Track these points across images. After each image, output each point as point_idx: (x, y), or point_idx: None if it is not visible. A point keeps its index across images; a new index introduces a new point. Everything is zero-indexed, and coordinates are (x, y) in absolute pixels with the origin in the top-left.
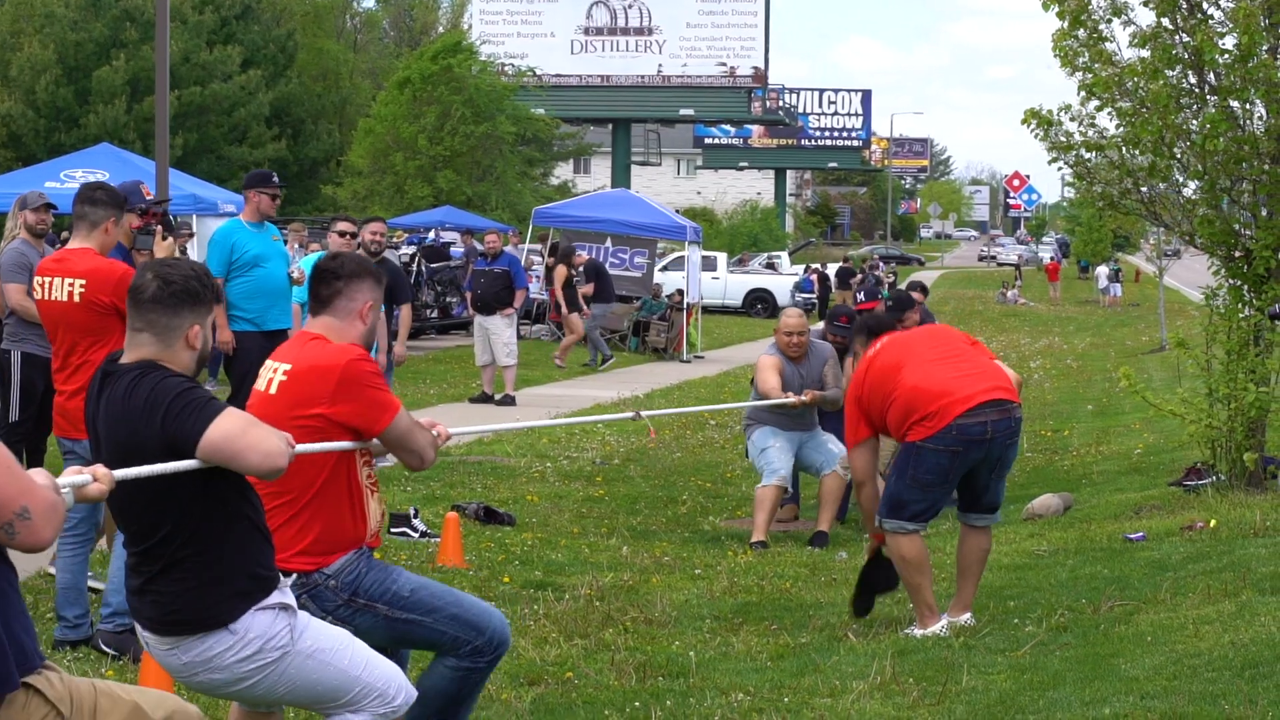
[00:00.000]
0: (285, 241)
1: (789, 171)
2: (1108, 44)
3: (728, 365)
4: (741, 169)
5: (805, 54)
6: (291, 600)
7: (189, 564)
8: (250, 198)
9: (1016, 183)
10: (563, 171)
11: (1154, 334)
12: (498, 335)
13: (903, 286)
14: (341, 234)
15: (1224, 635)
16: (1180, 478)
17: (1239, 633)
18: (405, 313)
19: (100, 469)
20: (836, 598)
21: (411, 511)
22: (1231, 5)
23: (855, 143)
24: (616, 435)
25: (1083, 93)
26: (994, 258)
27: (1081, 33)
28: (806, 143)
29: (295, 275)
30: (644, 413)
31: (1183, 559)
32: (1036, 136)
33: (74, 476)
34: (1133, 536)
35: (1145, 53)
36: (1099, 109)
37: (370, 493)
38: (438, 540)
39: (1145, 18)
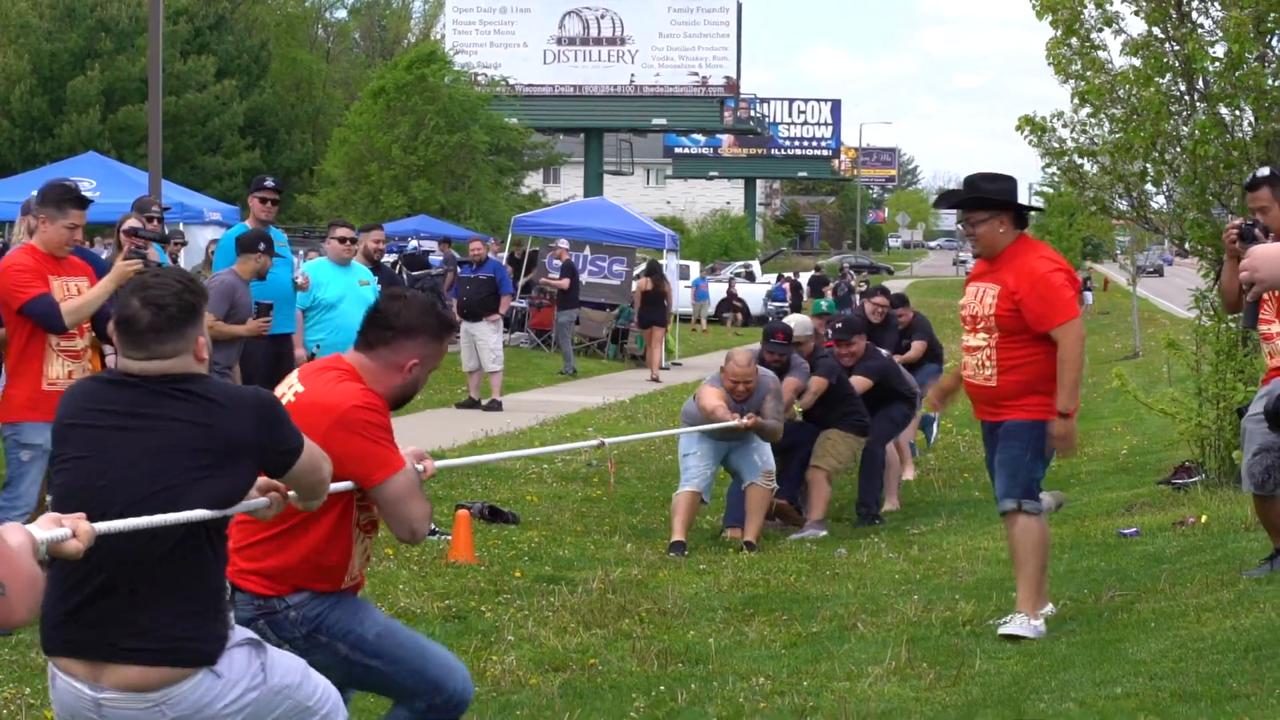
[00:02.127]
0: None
1: (759, 181)
2: (1100, 52)
3: (704, 373)
4: (711, 178)
5: (772, 63)
6: (253, 634)
7: (186, 582)
8: (250, 203)
9: None
10: (532, 181)
11: (1126, 341)
12: (484, 341)
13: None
14: (341, 239)
15: (1225, 621)
16: (1169, 476)
17: (1240, 618)
18: None
19: (81, 523)
20: (841, 590)
21: None
22: (1221, 14)
23: (825, 152)
24: (608, 436)
25: (1076, 100)
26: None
27: (1074, 41)
28: (776, 152)
29: (300, 281)
30: (607, 440)
31: (1177, 552)
32: (1030, 143)
33: (52, 530)
34: (1126, 531)
35: (1136, 61)
36: (1091, 116)
37: (364, 535)
38: (447, 538)
39: (1136, 26)
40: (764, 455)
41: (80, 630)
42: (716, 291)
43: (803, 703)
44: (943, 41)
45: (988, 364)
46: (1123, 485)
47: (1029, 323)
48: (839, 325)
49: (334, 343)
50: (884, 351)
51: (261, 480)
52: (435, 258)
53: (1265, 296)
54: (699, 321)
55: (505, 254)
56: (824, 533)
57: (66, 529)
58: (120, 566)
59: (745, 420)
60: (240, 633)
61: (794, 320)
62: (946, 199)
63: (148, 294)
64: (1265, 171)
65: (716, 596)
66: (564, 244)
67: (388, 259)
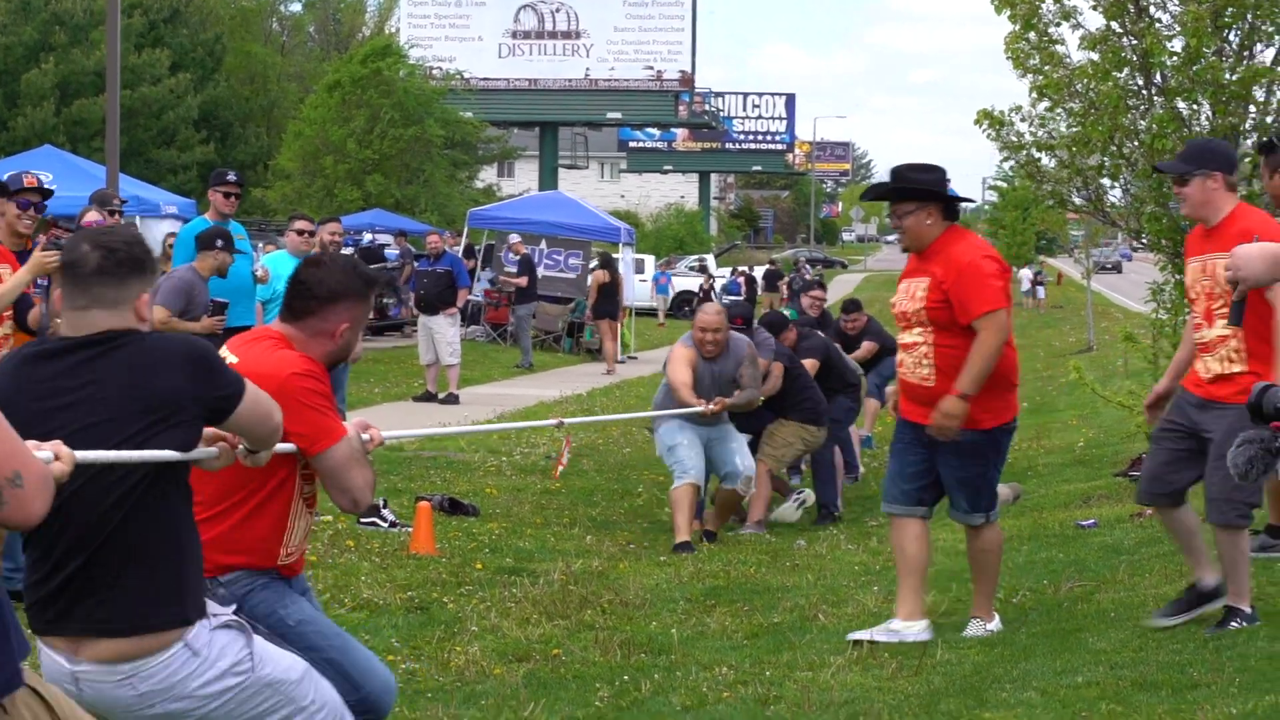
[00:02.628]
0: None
1: (713, 175)
2: (1058, 46)
3: (660, 366)
4: (666, 172)
5: (727, 58)
6: (241, 618)
7: (152, 552)
8: (210, 196)
9: None
10: (487, 175)
11: (1080, 335)
12: (441, 334)
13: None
14: (300, 232)
15: (1178, 597)
16: (1126, 469)
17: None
18: None
19: (62, 447)
20: (801, 581)
21: (381, 502)
22: (1179, 9)
23: (779, 146)
24: (566, 432)
25: (1034, 94)
26: None
27: (1032, 35)
28: (731, 146)
29: (259, 274)
30: (566, 420)
31: (1135, 543)
32: (988, 136)
33: (39, 452)
34: (1084, 523)
35: (1094, 55)
36: (1050, 110)
37: (305, 508)
38: (408, 530)
39: (1094, 21)
40: (745, 457)
41: (56, 606)
42: (684, 284)
43: (766, 692)
44: (896, 37)
45: (925, 362)
46: (1080, 478)
47: (955, 313)
48: (766, 317)
49: None
50: (819, 333)
51: (208, 431)
52: (391, 251)
53: (1194, 298)
54: (664, 314)
55: (462, 247)
56: (764, 532)
57: (49, 452)
58: (84, 538)
59: (712, 406)
60: (224, 613)
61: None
62: (873, 190)
63: (98, 238)
64: (1264, 139)
65: (677, 588)
66: (516, 238)
67: (344, 252)
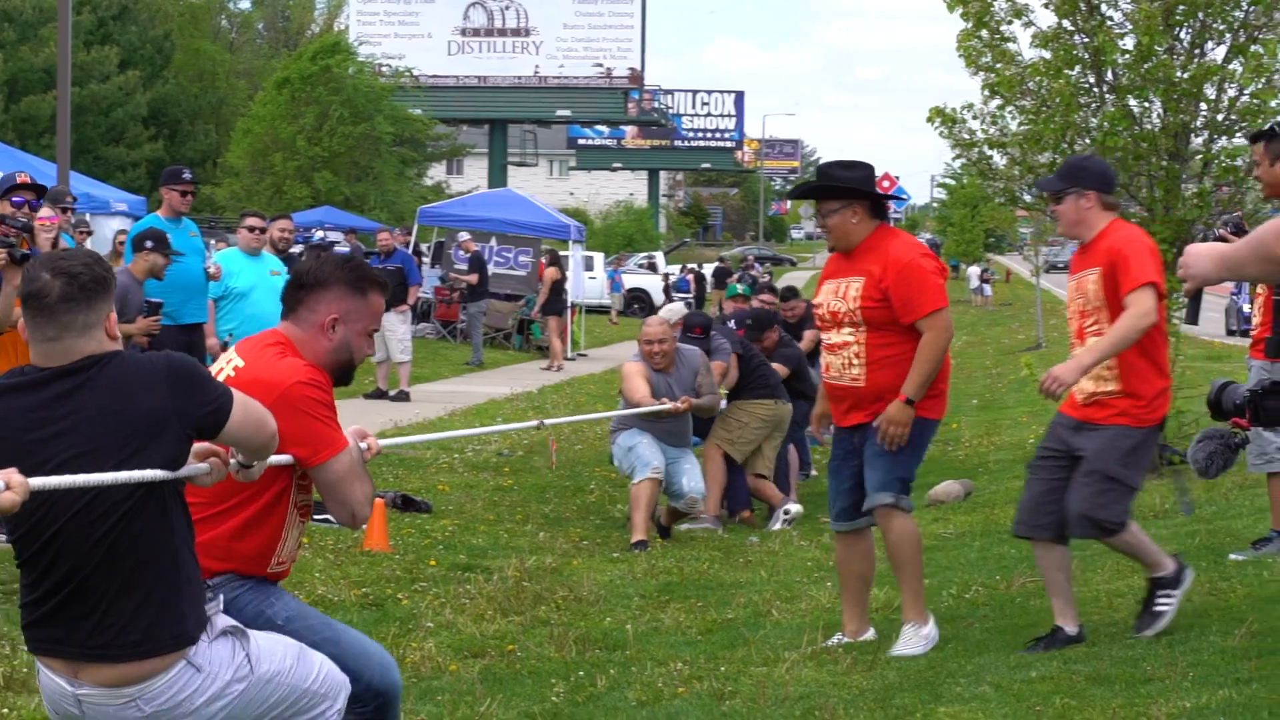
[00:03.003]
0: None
1: (662, 172)
2: (1010, 44)
3: (611, 363)
4: (615, 170)
5: (674, 54)
6: (235, 621)
7: (149, 574)
8: (164, 194)
9: (886, 184)
10: (436, 172)
11: (1030, 332)
12: (392, 332)
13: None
14: (251, 229)
15: (1137, 606)
16: None
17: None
18: None
19: (14, 475)
20: (755, 578)
21: None
22: (1130, 7)
23: (728, 143)
24: (549, 432)
25: (986, 91)
26: None
27: (984, 33)
28: (680, 143)
29: (211, 270)
30: (547, 421)
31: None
32: (940, 134)
33: None
34: None
35: (1046, 53)
36: (1001, 107)
37: (299, 518)
38: (362, 526)
39: (1046, 19)
40: (694, 479)
41: (53, 630)
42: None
43: (721, 688)
44: (845, 34)
45: (855, 362)
46: None
47: (896, 312)
48: (749, 322)
49: (245, 332)
50: (796, 343)
51: (199, 446)
52: (341, 248)
53: (1069, 316)
54: (621, 313)
55: (412, 245)
56: (719, 529)
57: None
58: (78, 561)
59: (679, 404)
60: (223, 622)
61: (667, 310)
62: (800, 189)
63: (58, 265)
64: (1266, 126)
65: (631, 584)
66: (466, 236)
67: (294, 249)
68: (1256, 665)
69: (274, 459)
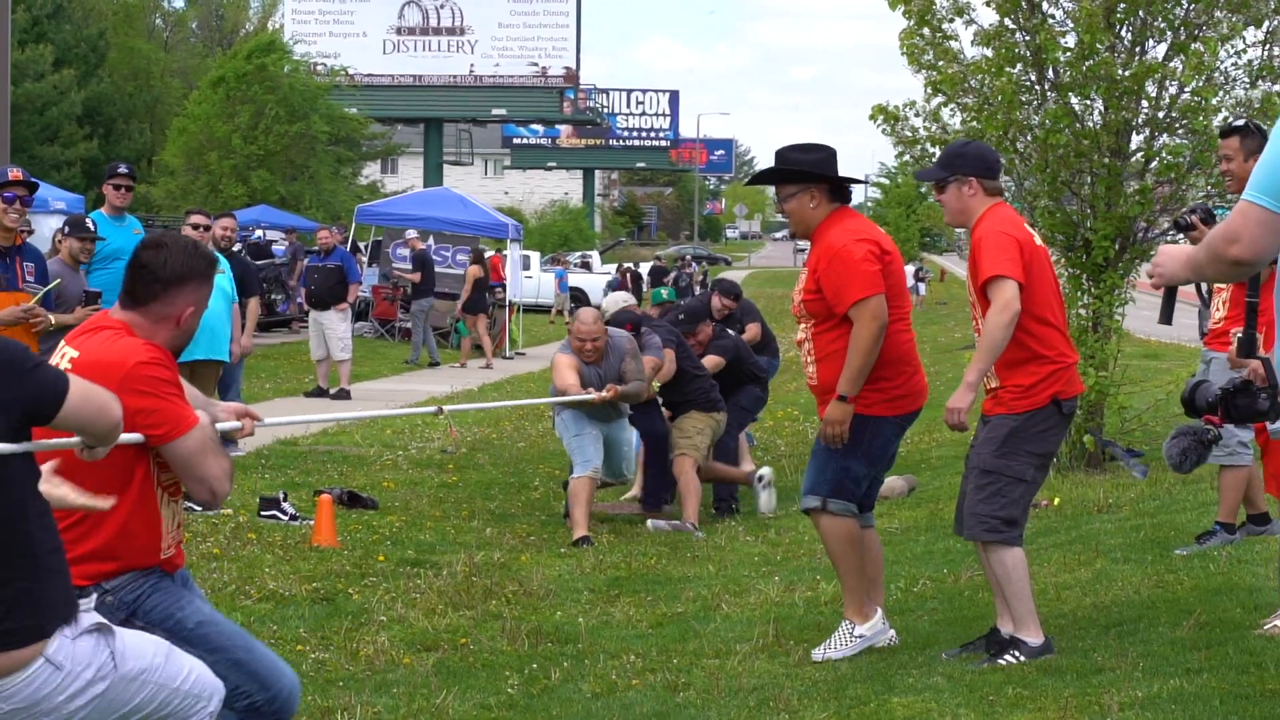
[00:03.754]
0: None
1: (597, 171)
2: (952, 42)
3: (549, 361)
4: (550, 169)
5: (607, 52)
6: (102, 618)
7: (14, 557)
8: (104, 190)
9: None
10: (370, 171)
11: (966, 330)
12: (332, 330)
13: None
14: (195, 227)
15: (1085, 599)
16: None
17: (1100, 596)
18: (253, 306)
19: None
20: (703, 572)
21: (280, 495)
22: (1072, 5)
23: (663, 143)
24: (460, 425)
25: (929, 89)
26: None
27: (926, 31)
28: (614, 143)
29: None
30: (446, 408)
31: (1032, 534)
32: (884, 131)
33: None
34: None
35: (988, 51)
36: (943, 105)
37: (169, 498)
38: (309, 523)
39: (987, 17)
40: (629, 465)
41: None
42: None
43: (675, 679)
44: (777, 33)
45: (809, 359)
46: None
47: (829, 303)
48: (681, 316)
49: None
50: (730, 332)
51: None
52: (279, 247)
53: (972, 302)
54: (560, 312)
55: (349, 243)
56: (699, 535)
57: None
58: None
59: (605, 393)
60: (89, 619)
61: (609, 299)
62: (758, 175)
63: None
64: (1241, 122)
65: (580, 578)
66: (414, 234)
67: (235, 247)
68: (1205, 655)
69: (124, 437)
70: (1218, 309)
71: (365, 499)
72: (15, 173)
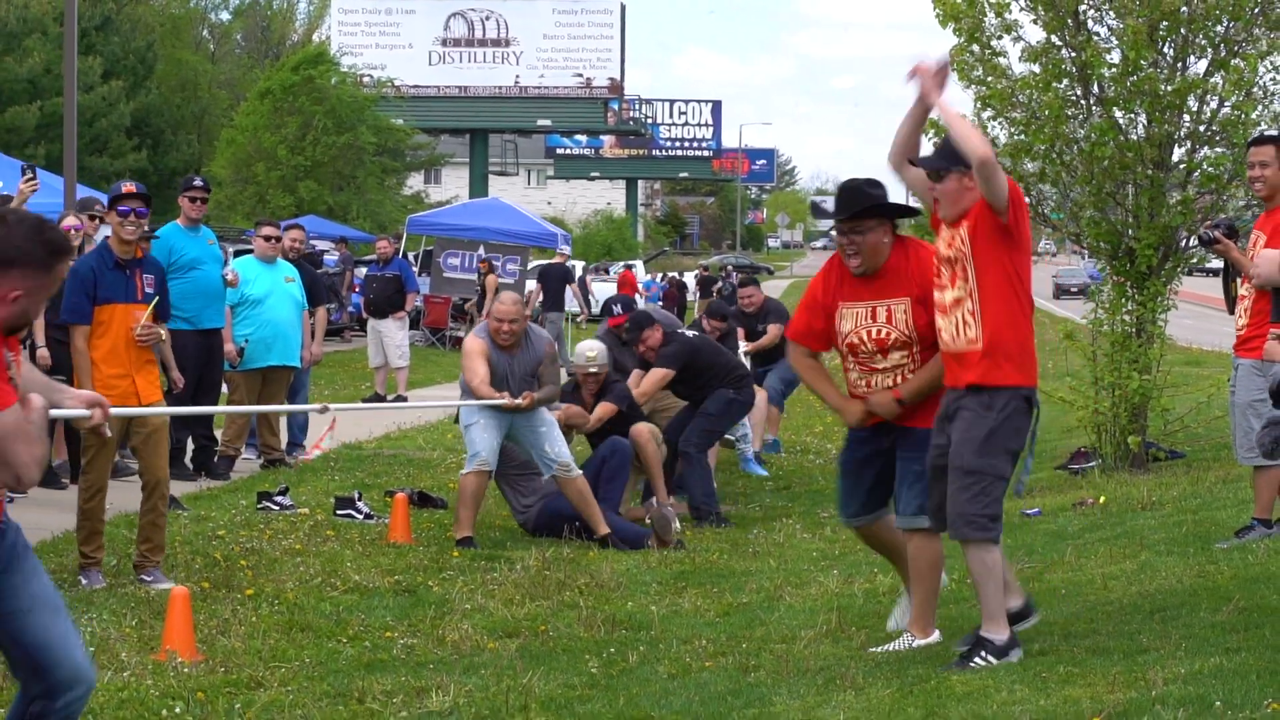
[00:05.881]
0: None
1: (639, 181)
2: (1000, 59)
3: None
4: (593, 179)
5: (647, 63)
6: None
7: None
8: (179, 201)
9: None
10: (414, 181)
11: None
12: (390, 338)
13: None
14: (266, 238)
15: (1131, 587)
16: (1066, 461)
17: (1144, 585)
18: (321, 314)
19: None
20: (764, 566)
21: (356, 495)
22: (1116, 23)
23: (705, 153)
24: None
25: (978, 104)
26: None
27: (976, 48)
28: (657, 153)
29: (229, 278)
30: (332, 406)
31: (1079, 529)
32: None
33: None
34: (1029, 512)
35: (1035, 67)
36: (992, 119)
37: None
38: (384, 520)
39: (1035, 34)
40: (555, 445)
41: None
42: (601, 291)
43: (745, 661)
44: (817, 44)
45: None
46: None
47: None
48: (627, 326)
49: (261, 336)
50: (690, 333)
51: (82, 394)
52: (330, 257)
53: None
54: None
55: (400, 252)
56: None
57: None
58: None
59: (521, 400)
60: None
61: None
62: (839, 207)
63: None
64: (1274, 132)
65: (648, 572)
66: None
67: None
68: (1244, 637)
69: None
70: (1240, 316)
71: (435, 499)
72: (129, 186)
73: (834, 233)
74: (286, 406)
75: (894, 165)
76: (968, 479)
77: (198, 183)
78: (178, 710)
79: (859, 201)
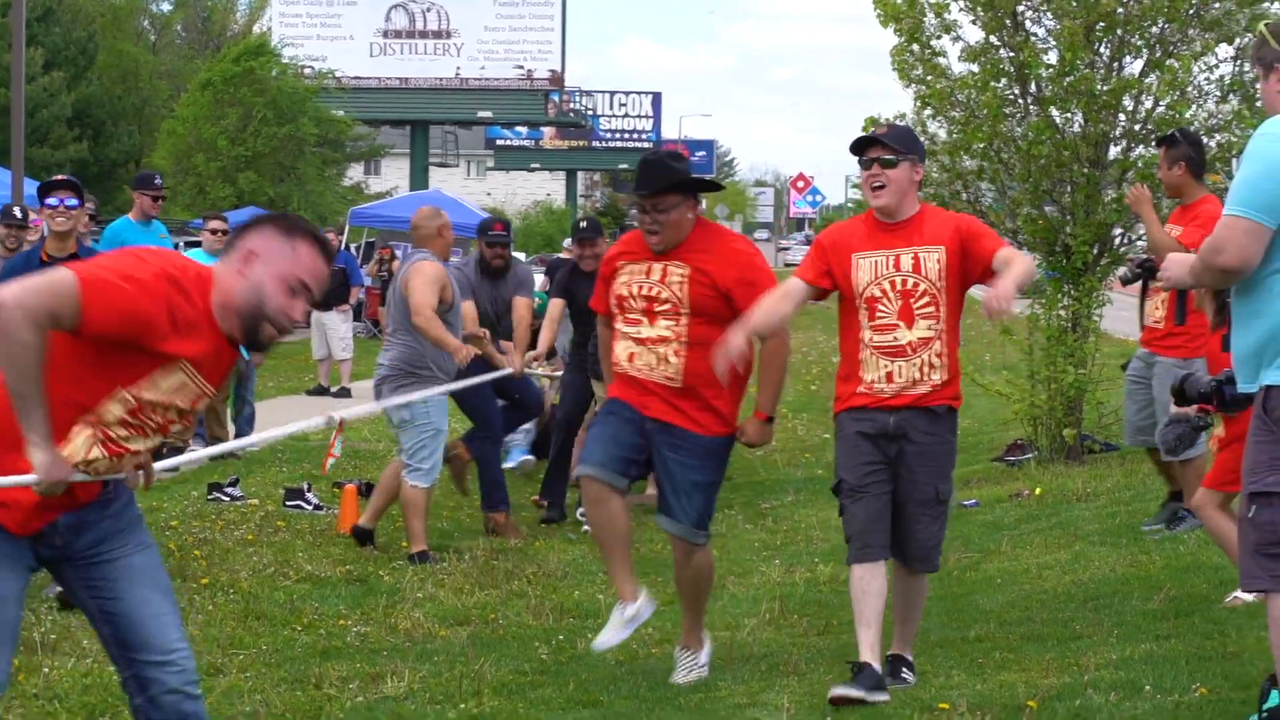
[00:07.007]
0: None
1: (580, 173)
2: (940, 59)
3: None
4: (533, 170)
5: (586, 53)
6: None
7: None
8: (135, 199)
9: (801, 184)
10: (353, 172)
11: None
12: (334, 330)
13: None
14: (214, 231)
15: (1065, 576)
16: (1002, 454)
17: (1078, 574)
18: None
19: None
20: None
21: (305, 486)
22: (1054, 24)
23: (645, 144)
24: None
25: (918, 103)
26: (787, 249)
27: (916, 48)
28: (597, 144)
29: None
30: (336, 414)
31: (1015, 520)
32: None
33: None
34: (967, 503)
35: (974, 67)
36: (931, 118)
37: None
38: (334, 511)
39: (974, 35)
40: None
41: None
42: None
43: None
44: (757, 34)
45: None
46: (958, 463)
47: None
48: (583, 224)
49: None
50: None
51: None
52: None
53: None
54: None
55: (342, 245)
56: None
57: None
58: None
59: (529, 361)
60: None
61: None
62: (641, 183)
63: None
64: (1168, 133)
65: (593, 562)
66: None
67: None
68: (1174, 624)
69: None
70: (1157, 308)
71: None
72: (59, 177)
73: (634, 210)
74: (289, 428)
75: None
76: (938, 509)
77: (158, 181)
78: None
79: (663, 177)
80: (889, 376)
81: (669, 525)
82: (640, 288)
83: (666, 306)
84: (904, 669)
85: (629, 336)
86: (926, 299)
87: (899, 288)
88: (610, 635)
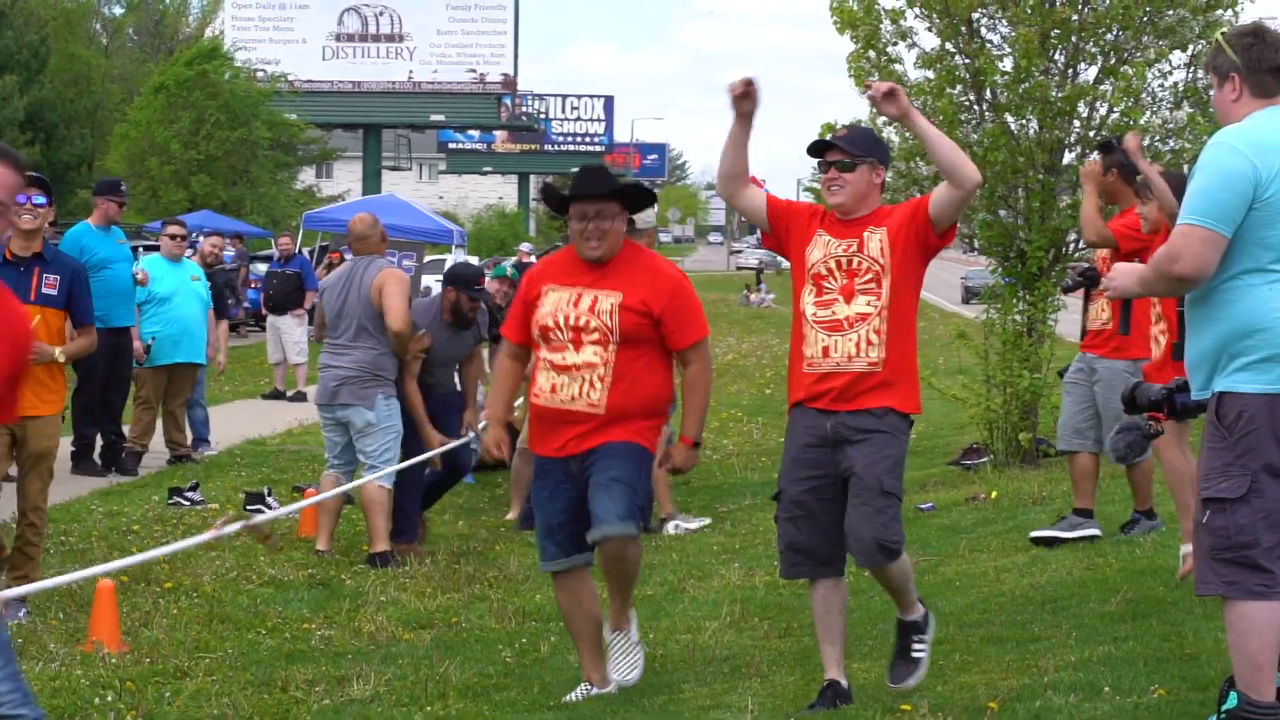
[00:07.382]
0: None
1: (532, 176)
2: (896, 65)
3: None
4: (485, 174)
5: (538, 56)
6: None
7: None
8: (99, 204)
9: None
10: (305, 176)
11: None
12: (289, 334)
13: None
14: (173, 236)
15: (1022, 579)
16: (958, 458)
17: (1035, 577)
18: (223, 327)
19: None
20: (667, 560)
21: (265, 490)
22: (1009, 31)
23: (598, 148)
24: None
25: (873, 109)
26: (739, 252)
27: (872, 54)
28: (550, 148)
29: (139, 277)
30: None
31: (972, 524)
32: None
33: None
34: (923, 507)
35: (930, 74)
36: (888, 124)
37: None
38: (295, 516)
39: (929, 42)
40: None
41: None
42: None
43: (652, 651)
44: (707, 37)
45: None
46: (914, 466)
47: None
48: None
49: (168, 334)
50: None
51: None
52: (227, 253)
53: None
54: None
55: (298, 249)
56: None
57: None
58: None
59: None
60: None
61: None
62: (582, 186)
63: None
64: (1105, 139)
65: None
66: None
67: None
68: (1131, 626)
69: None
70: (1102, 310)
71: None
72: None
73: (571, 220)
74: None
75: (728, 192)
76: (886, 500)
77: (123, 188)
78: (109, 699)
79: (608, 183)
80: (825, 351)
81: (597, 533)
82: (567, 318)
83: (595, 335)
84: (914, 641)
85: (552, 365)
86: (870, 276)
87: (845, 266)
88: (626, 667)
